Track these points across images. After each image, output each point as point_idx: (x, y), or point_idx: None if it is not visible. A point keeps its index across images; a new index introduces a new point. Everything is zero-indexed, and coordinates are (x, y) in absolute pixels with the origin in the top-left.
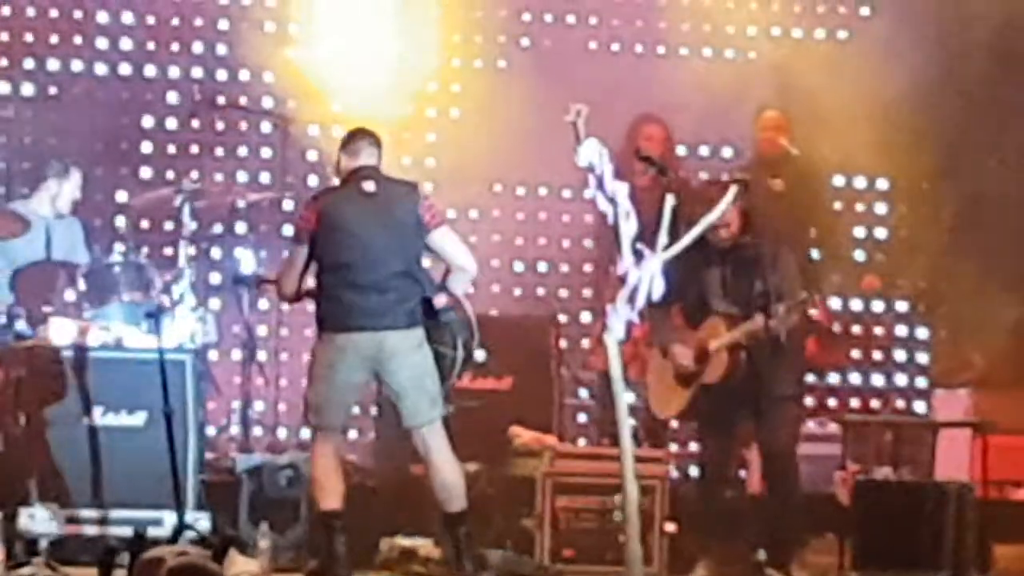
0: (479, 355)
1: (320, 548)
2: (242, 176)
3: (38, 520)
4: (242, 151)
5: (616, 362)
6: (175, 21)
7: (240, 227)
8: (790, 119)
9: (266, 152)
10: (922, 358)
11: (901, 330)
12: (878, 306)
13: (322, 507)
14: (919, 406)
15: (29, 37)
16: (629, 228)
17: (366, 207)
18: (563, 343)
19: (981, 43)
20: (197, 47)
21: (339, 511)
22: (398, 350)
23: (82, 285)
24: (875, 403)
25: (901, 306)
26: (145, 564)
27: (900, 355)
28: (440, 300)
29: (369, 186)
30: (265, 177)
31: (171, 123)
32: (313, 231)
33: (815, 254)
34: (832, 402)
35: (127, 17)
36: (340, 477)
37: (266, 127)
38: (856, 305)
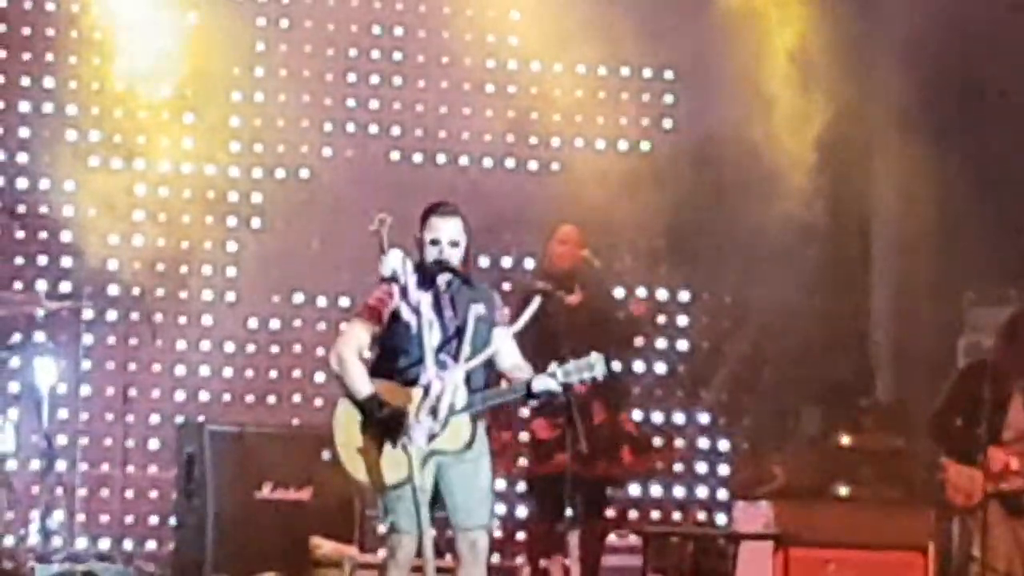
0: None
1: None
2: (40, 285)
3: None
4: (41, 259)
5: (417, 471)
6: None
7: (39, 336)
8: (589, 231)
9: (66, 261)
10: (723, 470)
11: (703, 442)
12: (680, 418)
13: None
14: (720, 518)
15: None
16: (433, 338)
17: None
18: None
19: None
20: None
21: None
22: None
23: None
24: (677, 515)
25: (703, 418)
26: None
27: (702, 467)
28: None
29: None
30: (65, 286)
31: None
32: None
33: (615, 365)
34: (633, 514)
35: None
36: None
37: (66, 236)
38: (657, 417)
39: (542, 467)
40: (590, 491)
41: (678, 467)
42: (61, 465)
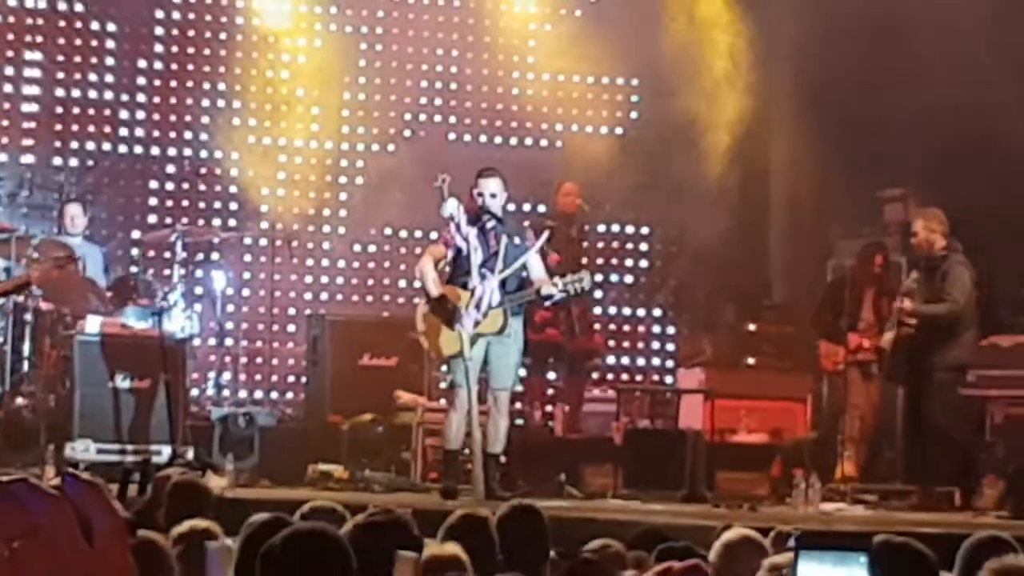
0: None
1: (269, 472)
2: (216, 221)
3: (78, 450)
4: (216, 204)
5: (467, 346)
6: (172, 117)
7: (215, 256)
8: (582, 187)
9: (233, 205)
10: (670, 347)
11: (656, 328)
12: (641, 312)
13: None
14: (668, 379)
15: (74, 127)
16: (477, 258)
17: None
18: None
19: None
20: (187, 134)
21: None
22: None
23: (108, 294)
24: (639, 376)
25: (657, 312)
26: (158, 479)
27: (656, 345)
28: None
29: None
30: (232, 222)
31: (169, 185)
32: None
33: (599, 276)
34: (610, 376)
35: (140, 113)
36: None
37: (233, 188)
38: (627, 311)
39: (536, 337)
40: (572, 358)
41: (640, 345)
42: (229, 342)
